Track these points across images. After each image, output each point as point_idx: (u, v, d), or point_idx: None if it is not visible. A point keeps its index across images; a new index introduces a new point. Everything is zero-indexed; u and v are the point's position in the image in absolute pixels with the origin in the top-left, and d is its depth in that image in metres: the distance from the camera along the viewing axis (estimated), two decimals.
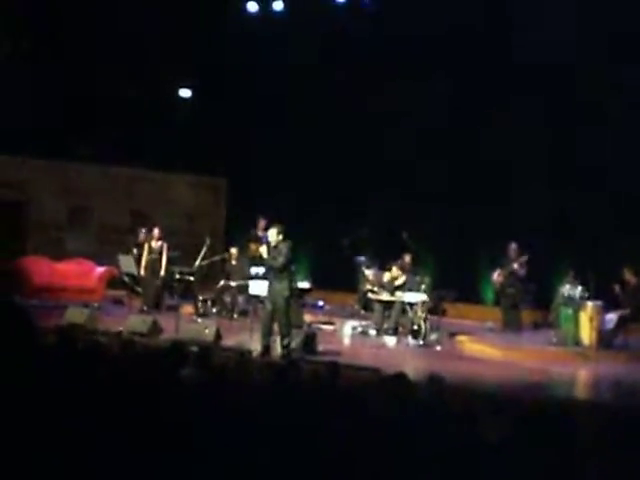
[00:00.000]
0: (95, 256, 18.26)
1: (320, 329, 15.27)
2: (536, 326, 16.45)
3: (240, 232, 17.80)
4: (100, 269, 17.29)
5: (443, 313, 15.34)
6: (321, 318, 16.66)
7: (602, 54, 16.23)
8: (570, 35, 16.21)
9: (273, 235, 12.22)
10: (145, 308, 16.09)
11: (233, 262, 16.77)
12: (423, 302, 14.80)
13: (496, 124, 17.36)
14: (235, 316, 16.25)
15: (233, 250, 16.82)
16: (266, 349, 12.03)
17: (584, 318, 14.32)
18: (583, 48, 16.22)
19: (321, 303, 18.65)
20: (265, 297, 12.47)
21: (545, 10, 16.65)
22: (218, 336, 12.76)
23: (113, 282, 17.29)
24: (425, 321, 14.52)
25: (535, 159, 17.10)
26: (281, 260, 12.06)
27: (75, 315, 13.54)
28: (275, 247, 12.15)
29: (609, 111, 16.31)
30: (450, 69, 17.89)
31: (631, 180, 16.01)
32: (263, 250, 12.28)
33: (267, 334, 12.13)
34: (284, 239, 12.19)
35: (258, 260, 13.79)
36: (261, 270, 14.34)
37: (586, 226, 16.26)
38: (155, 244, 16.63)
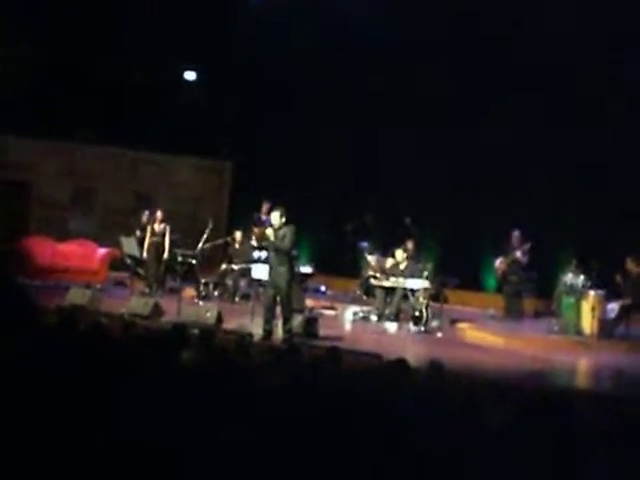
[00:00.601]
0: (98, 237, 18.28)
1: (322, 314, 15.30)
2: (538, 314, 16.44)
3: (244, 215, 17.80)
4: (103, 251, 17.28)
5: (445, 300, 15.34)
6: (323, 303, 16.67)
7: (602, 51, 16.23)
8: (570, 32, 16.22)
9: (276, 218, 12.21)
10: (147, 290, 16.12)
11: (236, 246, 16.78)
12: (425, 289, 14.80)
13: (499, 111, 17.36)
14: (237, 299, 16.28)
15: (237, 233, 16.83)
16: (268, 333, 12.04)
17: (586, 307, 14.31)
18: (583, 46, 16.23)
19: (323, 288, 18.67)
20: (267, 281, 12.49)
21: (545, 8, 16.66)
22: (219, 319, 12.75)
23: (115, 264, 17.30)
24: (427, 308, 14.52)
25: (539, 148, 17.07)
26: (287, 242, 12.07)
27: (77, 296, 13.54)
28: (278, 229, 12.15)
29: (615, 99, 16.27)
30: (454, 60, 17.88)
31: (634, 170, 15.99)
32: (270, 232, 12.28)
33: (270, 318, 12.14)
34: (286, 223, 12.19)
35: (264, 242, 13.74)
36: (264, 254, 14.33)
37: (589, 215, 16.25)
38: (158, 227, 16.64)
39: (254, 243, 16.54)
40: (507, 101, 17.17)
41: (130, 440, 4.54)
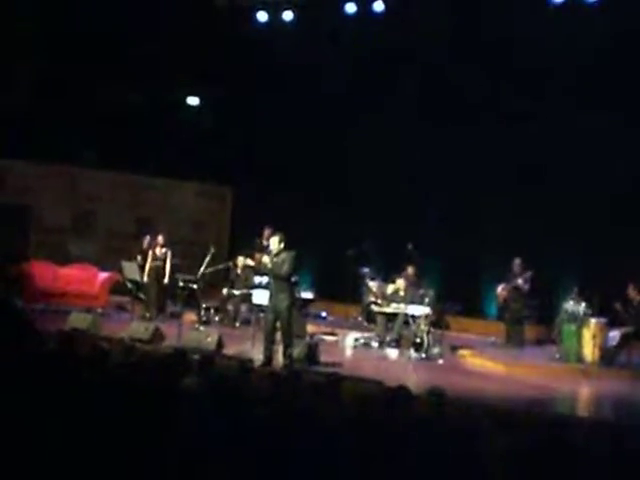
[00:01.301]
0: (99, 262, 18.26)
1: (323, 340, 15.26)
2: (539, 342, 16.42)
3: (244, 241, 17.80)
4: (103, 275, 17.26)
5: (446, 327, 15.31)
6: (324, 329, 16.61)
7: None
8: None
9: (275, 243, 12.18)
10: (148, 315, 16.09)
11: (238, 271, 16.77)
12: (426, 315, 14.77)
13: (499, 137, 17.43)
14: (237, 325, 16.24)
15: (239, 259, 16.82)
16: (268, 359, 12.00)
17: (587, 335, 14.31)
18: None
19: (324, 314, 18.61)
20: (267, 307, 12.45)
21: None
22: (220, 345, 12.73)
23: (116, 288, 17.27)
24: (428, 334, 14.49)
25: (540, 175, 17.09)
26: (286, 268, 12.03)
27: (78, 320, 13.54)
28: (277, 255, 12.12)
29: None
30: (459, 78, 17.93)
31: (635, 196, 16.01)
32: (266, 259, 12.26)
33: (270, 344, 12.11)
34: (285, 248, 12.17)
35: (263, 269, 13.71)
36: (265, 279, 14.30)
37: (590, 243, 16.23)
38: (159, 251, 16.64)
39: (250, 262, 16.56)
40: (506, 127, 17.25)
41: (130, 463, 4.52)
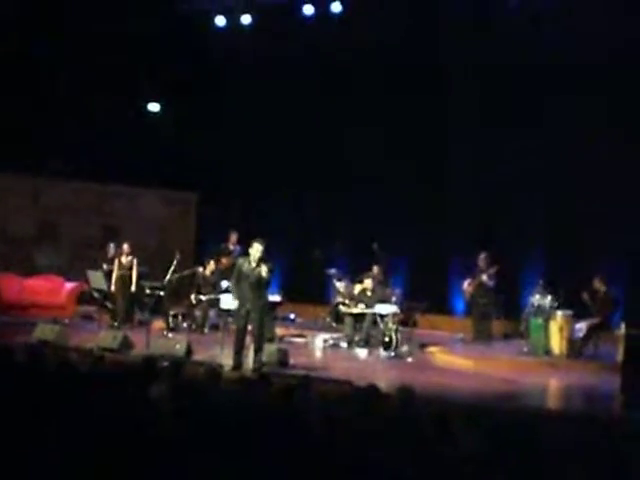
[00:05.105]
0: (65, 272, 18.16)
1: (292, 342, 15.28)
2: (507, 336, 16.52)
3: (211, 246, 17.76)
4: (70, 285, 17.17)
5: (414, 324, 15.37)
6: (292, 331, 16.63)
7: None
8: None
9: (258, 251, 12.10)
10: (115, 324, 16.01)
11: (205, 276, 16.71)
12: (394, 314, 14.83)
13: (464, 140, 17.53)
14: (206, 331, 16.19)
15: (205, 264, 16.77)
16: (238, 364, 12.00)
17: (554, 328, 14.41)
18: None
19: (292, 316, 18.64)
20: (238, 312, 12.34)
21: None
22: (189, 351, 12.71)
23: (83, 298, 17.18)
24: (396, 333, 14.54)
25: (504, 168, 17.17)
26: (269, 276, 12.09)
27: (45, 331, 13.44)
28: (264, 262, 12.07)
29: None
30: (424, 79, 18.00)
31: (598, 191, 16.12)
32: (246, 265, 12.19)
33: (241, 349, 12.10)
34: (262, 259, 12.13)
35: (243, 275, 13.56)
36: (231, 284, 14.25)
37: (555, 236, 16.35)
38: (125, 259, 16.55)
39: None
40: (477, 122, 17.35)
41: (101, 474, 4.52)
